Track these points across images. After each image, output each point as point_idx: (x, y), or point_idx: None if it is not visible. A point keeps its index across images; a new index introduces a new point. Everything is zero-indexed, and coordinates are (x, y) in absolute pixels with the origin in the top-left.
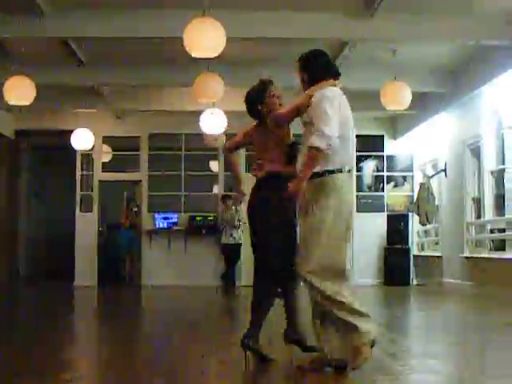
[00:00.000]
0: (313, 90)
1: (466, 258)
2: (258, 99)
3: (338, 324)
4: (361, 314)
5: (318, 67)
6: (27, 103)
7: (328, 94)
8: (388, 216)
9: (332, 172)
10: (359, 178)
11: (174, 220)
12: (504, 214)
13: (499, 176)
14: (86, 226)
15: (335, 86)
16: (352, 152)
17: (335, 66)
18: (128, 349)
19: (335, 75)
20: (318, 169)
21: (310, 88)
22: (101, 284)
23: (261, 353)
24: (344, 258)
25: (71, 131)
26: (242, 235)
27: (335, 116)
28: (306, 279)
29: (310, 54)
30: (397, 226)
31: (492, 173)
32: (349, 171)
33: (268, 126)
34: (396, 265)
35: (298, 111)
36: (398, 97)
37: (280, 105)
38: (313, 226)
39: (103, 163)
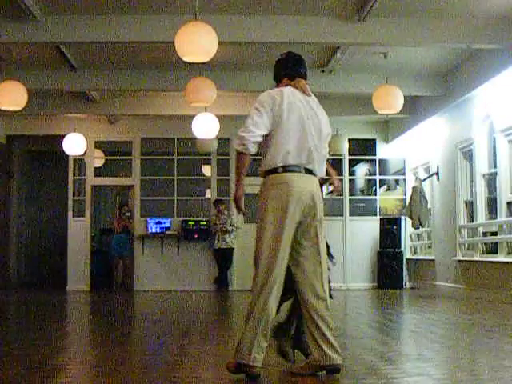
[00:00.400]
0: None
1: (459, 261)
2: None
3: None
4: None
5: (277, 71)
6: (19, 108)
7: (260, 97)
8: (381, 220)
9: (269, 173)
10: (352, 182)
11: (167, 225)
12: (496, 218)
13: (491, 179)
14: (79, 231)
15: (289, 85)
16: (301, 146)
17: (294, 67)
18: (121, 354)
19: (289, 76)
20: (260, 169)
21: None
22: (93, 289)
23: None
24: (273, 268)
25: (63, 136)
26: (235, 240)
27: (260, 119)
28: None
29: (277, 60)
30: (389, 230)
31: (484, 176)
32: (293, 167)
33: None
34: (389, 268)
35: None
36: (390, 100)
37: None
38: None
39: (95, 168)
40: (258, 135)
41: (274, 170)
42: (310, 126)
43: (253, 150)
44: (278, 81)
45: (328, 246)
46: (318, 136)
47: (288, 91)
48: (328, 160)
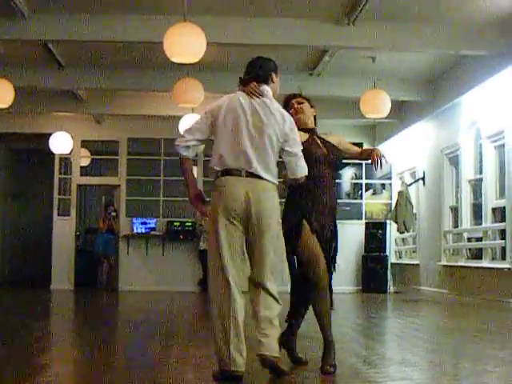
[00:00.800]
0: None
1: (443, 266)
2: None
3: None
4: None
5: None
6: (6, 106)
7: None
8: (366, 223)
9: (215, 176)
10: (338, 186)
11: (152, 225)
12: (481, 223)
13: (477, 185)
14: (64, 230)
15: (243, 91)
16: (236, 149)
17: (247, 70)
18: (104, 354)
19: (244, 83)
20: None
21: None
22: (78, 288)
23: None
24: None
25: (50, 134)
26: None
27: (197, 125)
28: None
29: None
30: (375, 234)
31: (470, 182)
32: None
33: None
34: (374, 272)
35: None
36: (378, 105)
37: (301, 109)
38: None
39: (81, 167)
40: (190, 139)
41: (215, 175)
42: (250, 130)
43: (185, 153)
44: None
45: (336, 250)
46: (261, 138)
47: (233, 97)
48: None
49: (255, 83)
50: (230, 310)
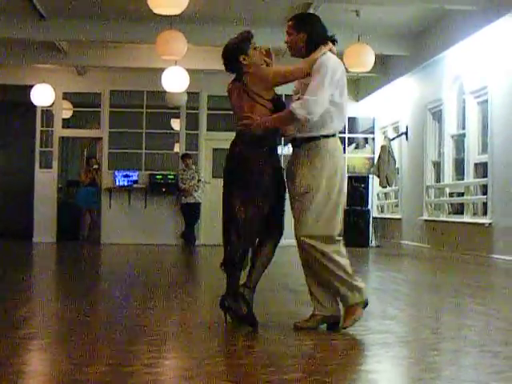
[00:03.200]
0: (315, 56)
1: (425, 220)
2: (240, 49)
3: (330, 284)
4: (354, 276)
5: (319, 30)
6: None
7: (331, 64)
8: (349, 178)
9: (326, 137)
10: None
11: (134, 178)
12: (463, 179)
13: (459, 140)
14: (46, 183)
15: (334, 52)
16: (345, 117)
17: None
18: (86, 306)
19: (333, 41)
20: (314, 133)
21: (312, 54)
22: (60, 241)
23: (240, 313)
24: (336, 224)
25: (31, 86)
26: (202, 194)
27: (330, 88)
28: (301, 242)
29: (308, 15)
30: (357, 188)
31: (452, 137)
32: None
33: (245, 82)
34: (355, 226)
35: (297, 76)
36: (361, 59)
37: (267, 64)
38: (305, 191)
39: (63, 119)
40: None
41: (333, 135)
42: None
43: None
44: (319, 43)
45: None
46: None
47: (339, 60)
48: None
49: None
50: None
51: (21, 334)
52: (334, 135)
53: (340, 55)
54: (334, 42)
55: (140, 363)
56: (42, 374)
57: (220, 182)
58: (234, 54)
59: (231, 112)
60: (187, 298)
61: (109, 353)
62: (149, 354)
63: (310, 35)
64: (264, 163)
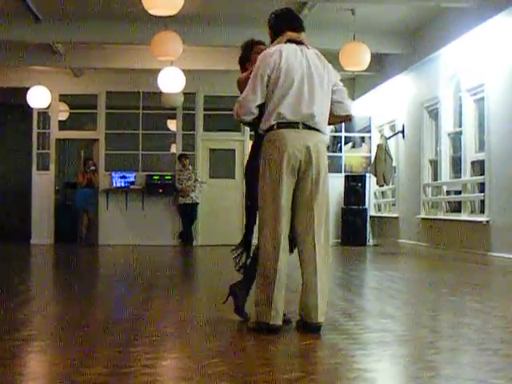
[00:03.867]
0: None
1: (422, 219)
2: (246, 58)
3: None
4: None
5: (277, 23)
6: None
7: (260, 59)
8: (345, 177)
9: (267, 130)
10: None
11: (131, 179)
12: (460, 177)
13: (456, 138)
14: (43, 185)
15: (293, 39)
16: (303, 102)
17: (297, 19)
18: (84, 307)
19: (293, 29)
20: (260, 129)
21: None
22: (58, 243)
23: (241, 304)
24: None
25: (27, 89)
26: (199, 194)
27: (259, 86)
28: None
29: (274, 11)
30: (354, 187)
31: (449, 135)
32: (292, 124)
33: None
34: (353, 225)
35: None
36: (357, 58)
37: None
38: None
39: (60, 121)
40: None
41: (269, 128)
42: (309, 81)
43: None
44: (277, 35)
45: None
46: (320, 90)
47: (285, 47)
48: None
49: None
50: (277, 264)
51: (20, 335)
52: (272, 127)
53: (336, 54)
54: (293, 29)
55: (139, 364)
56: (41, 376)
57: (217, 182)
58: (244, 64)
59: (227, 112)
60: (185, 298)
61: (108, 354)
62: (147, 355)
63: (272, 30)
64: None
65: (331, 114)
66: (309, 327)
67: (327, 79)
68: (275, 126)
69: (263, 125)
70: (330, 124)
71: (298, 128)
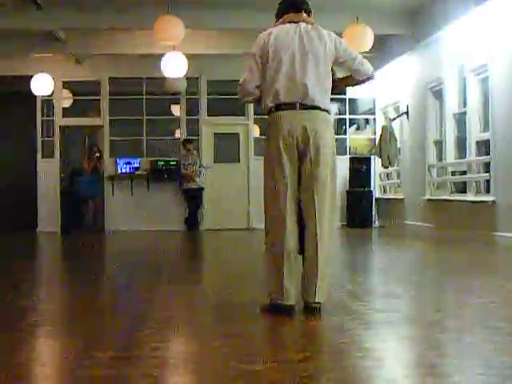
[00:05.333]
0: None
1: (428, 200)
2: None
3: None
4: None
5: (279, 10)
6: None
7: (257, 39)
8: (350, 159)
9: (268, 113)
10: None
11: (136, 165)
12: (465, 157)
13: (461, 119)
14: (48, 172)
15: (290, 19)
16: (296, 80)
17: (296, 2)
18: (91, 293)
19: (288, 10)
20: (264, 109)
21: None
22: (64, 230)
23: None
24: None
25: (30, 77)
26: (204, 179)
27: (251, 63)
28: None
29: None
30: (359, 169)
31: (454, 115)
32: (289, 104)
33: None
34: (358, 207)
35: None
36: (360, 39)
37: None
38: None
39: (64, 108)
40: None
41: (269, 110)
42: (304, 59)
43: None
44: (277, 20)
45: None
46: (316, 67)
47: (279, 28)
48: None
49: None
50: (285, 244)
51: (28, 321)
52: (270, 110)
53: (339, 36)
54: (292, 11)
55: (147, 347)
56: (49, 361)
57: (221, 166)
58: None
59: (231, 96)
60: (193, 282)
61: (116, 338)
62: (156, 338)
63: (277, 18)
64: None
65: (353, 79)
66: (308, 308)
67: (324, 54)
68: (273, 109)
69: (262, 107)
70: (354, 85)
71: (295, 108)
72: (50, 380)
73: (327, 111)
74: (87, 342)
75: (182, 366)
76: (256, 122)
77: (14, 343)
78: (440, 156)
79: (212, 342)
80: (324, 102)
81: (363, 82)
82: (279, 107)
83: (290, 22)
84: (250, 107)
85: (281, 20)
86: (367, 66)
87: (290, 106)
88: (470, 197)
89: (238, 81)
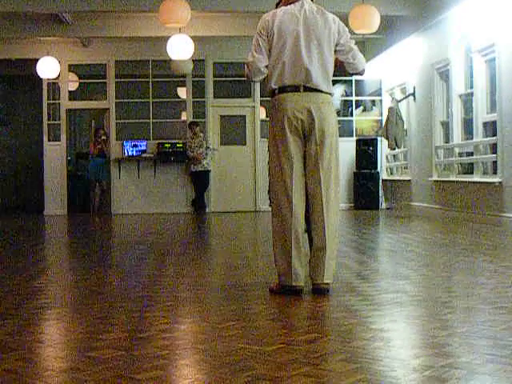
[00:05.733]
0: None
1: (435, 181)
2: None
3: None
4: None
5: None
6: None
7: (261, 20)
8: (357, 140)
9: (272, 95)
10: None
11: (143, 148)
12: (472, 138)
13: (468, 100)
14: (55, 156)
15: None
16: (299, 62)
17: None
18: (99, 275)
19: None
20: (268, 91)
21: None
22: (71, 213)
23: None
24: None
25: (37, 60)
26: (211, 162)
27: (258, 42)
28: None
29: None
30: (366, 151)
31: (460, 96)
32: (293, 87)
33: None
34: (365, 189)
35: None
36: (367, 20)
37: None
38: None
39: (70, 92)
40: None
41: (272, 93)
42: (307, 41)
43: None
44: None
45: None
46: (319, 49)
47: (284, 10)
48: None
49: None
50: (292, 224)
51: (36, 303)
52: (274, 91)
53: (345, 17)
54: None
55: (155, 329)
56: (59, 342)
57: (228, 148)
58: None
59: (237, 78)
60: (200, 264)
61: (124, 320)
62: (164, 320)
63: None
64: None
65: (344, 70)
66: (316, 289)
67: (328, 38)
68: (277, 91)
69: (267, 89)
70: (340, 72)
71: (299, 91)
72: (60, 361)
73: (330, 94)
74: (96, 323)
75: (191, 347)
76: (262, 104)
77: (23, 325)
78: (447, 137)
79: (221, 323)
80: (327, 85)
81: (355, 74)
82: (283, 89)
83: (292, 2)
84: (257, 89)
85: (284, 0)
86: (360, 62)
87: (294, 88)
88: (476, 178)
89: (244, 63)
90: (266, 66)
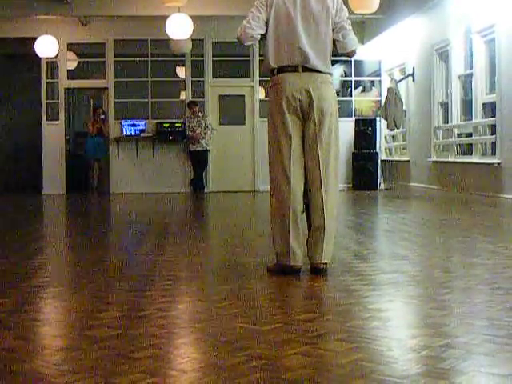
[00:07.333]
0: None
1: (434, 162)
2: None
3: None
4: None
5: None
6: None
7: None
8: (356, 121)
9: (271, 73)
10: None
11: (142, 127)
12: (471, 119)
13: (467, 81)
14: (53, 135)
15: None
16: (297, 42)
17: None
18: (98, 254)
19: None
20: (266, 70)
21: None
22: (69, 192)
23: None
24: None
25: (35, 38)
26: (210, 141)
27: (256, 11)
28: None
29: None
30: (365, 131)
31: (460, 77)
32: (291, 67)
33: None
34: (364, 169)
35: None
36: (366, 0)
37: None
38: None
39: (69, 70)
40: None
41: (271, 72)
42: (304, 21)
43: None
44: None
45: None
46: (316, 29)
47: None
48: None
49: None
50: (290, 204)
51: (34, 282)
52: (272, 71)
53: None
54: None
55: (153, 308)
56: (56, 321)
57: (227, 128)
58: None
59: (236, 58)
60: (198, 243)
61: (122, 299)
62: (162, 299)
63: None
64: None
65: (334, 50)
66: (314, 269)
67: (326, 17)
68: (275, 71)
69: (265, 66)
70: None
71: (298, 71)
72: (58, 340)
73: (329, 73)
74: (94, 302)
75: (188, 325)
76: (261, 83)
77: (21, 304)
78: (446, 118)
79: (218, 302)
80: (326, 64)
81: (345, 55)
82: (282, 69)
83: None
84: (256, 69)
85: None
86: (350, 42)
87: (293, 68)
88: (475, 159)
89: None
90: (260, 34)
